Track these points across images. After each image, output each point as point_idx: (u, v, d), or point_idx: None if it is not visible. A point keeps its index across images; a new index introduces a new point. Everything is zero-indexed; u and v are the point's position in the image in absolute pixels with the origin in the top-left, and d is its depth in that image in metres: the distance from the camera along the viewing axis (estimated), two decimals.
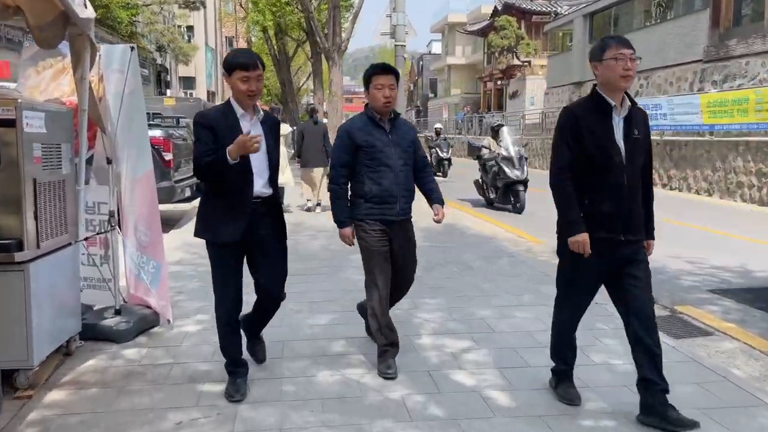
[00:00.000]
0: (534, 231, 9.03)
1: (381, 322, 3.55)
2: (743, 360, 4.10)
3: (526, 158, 11.26)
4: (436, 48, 56.74)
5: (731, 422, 2.98)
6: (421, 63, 57.25)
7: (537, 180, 10.79)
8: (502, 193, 11.13)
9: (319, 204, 10.53)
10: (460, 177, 17.41)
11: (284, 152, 9.64)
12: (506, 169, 10.84)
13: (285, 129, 11.43)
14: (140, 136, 4.27)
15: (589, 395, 3.27)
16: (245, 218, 3.10)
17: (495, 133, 11.63)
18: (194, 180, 9.77)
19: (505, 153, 10.99)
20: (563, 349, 3.26)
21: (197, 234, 3.21)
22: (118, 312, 4.20)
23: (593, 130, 2.91)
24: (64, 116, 3.62)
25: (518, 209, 10.84)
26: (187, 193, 9.04)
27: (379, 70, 3.55)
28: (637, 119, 2.97)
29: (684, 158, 15.10)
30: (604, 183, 2.92)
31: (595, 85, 3.02)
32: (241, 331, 3.40)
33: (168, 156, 8.30)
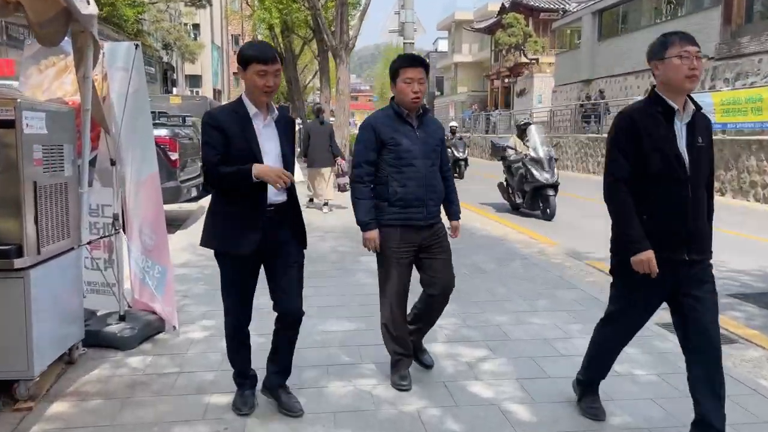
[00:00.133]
0: (545, 231, 8.87)
1: (394, 332, 3.39)
2: None
3: (557, 159, 10.34)
4: (443, 46, 56.47)
5: None
6: (427, 61, 56.98)
7: None
8: (530, 197, 10.18)
9: (326, 203, 10.42)
10: (479, 179, 17.10)
11: None
12: (534, 172, 9.92)
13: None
14: (145, 136, 4.14)
15: (613, 409, 3.12)
16: (258, 228, 2.83)
17: (521, 131, 10.77)
18: (201, 180, 9.66)
19: (533, 154, 10.08)
20: (603, 364, 3.05)
21: (205, 244, 2.96)
22: (122, 318, 4.08)
23: (653, 137, 2.60)
24: (66, 116, 3.48)
25: (548, 216, 9.90)
26: (194, 193, 8.92)
27: (407, 63, 3.25)
28: (700, 125, 2.67)
29: None
30: (666, 197, 2.62)
31: (653, 87, 2.72)
32: (271, 366, 3.12)
33: (174, 155, 8.17)
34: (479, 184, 15.65)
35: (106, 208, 4.23)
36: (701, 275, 2.68)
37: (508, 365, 3.69)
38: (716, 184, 14.20)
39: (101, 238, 4.22)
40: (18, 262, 2.99)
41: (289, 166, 2.93)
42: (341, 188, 10.76)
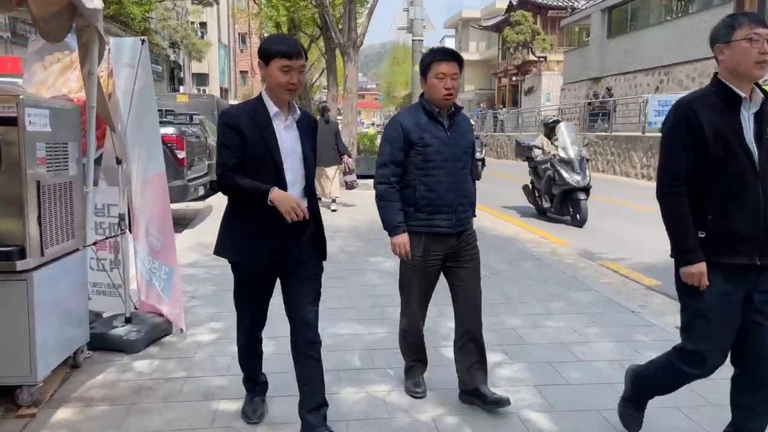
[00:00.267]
0: (557, 231, 8.74)
1: (412, 340, 3.25)
2: None
3: (588, 160, 9.47)
4: (449, 44, 56.27)
5: None
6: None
7: None
8: (558, 201, 9.32)
9: (334, 200, 10.36)
10: (498, 180, 16.90)
11: None
12: (564, 174, 9.06)
13: None
14: (151, 134, 4.04)
15: None
16: (275, 237, 2.60)
17: (549, 130, 9.86)
18: (208, 178, 9.58)
19: (563, 154, 9.22)
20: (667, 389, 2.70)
21: (219, 252, 2.75)
22: (128, 320, 3.98)
23: (717, 128, 2.32)
24: (70, 113, 3.39)
25: (579, 221, 9.01)
26: (201, 191, 8.83)
27: (440, 56, 2.98)
28: None
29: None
30: (734, 194, 2.32)
31: (716, 74, 2.44)
32: (302, 407, 2.76)
33: (181, 154, 8.08)
34: (500, 185, 14.90)
35: (111, 207, 4.13)
36: None
37: (525, 371, 3.57)
38: None
39: (107, 238, 4.13)
40: (20, 264, 2.89)
41: (310, 169, 2.73)
42: (348, 186, 10.68)
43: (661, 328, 4.37)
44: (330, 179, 10.24)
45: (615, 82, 24.94)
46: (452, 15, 49.96)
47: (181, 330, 4.10)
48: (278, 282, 2.81)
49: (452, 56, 3.00)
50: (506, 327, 4.35)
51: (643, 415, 2.79)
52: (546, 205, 9.85)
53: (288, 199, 2.52)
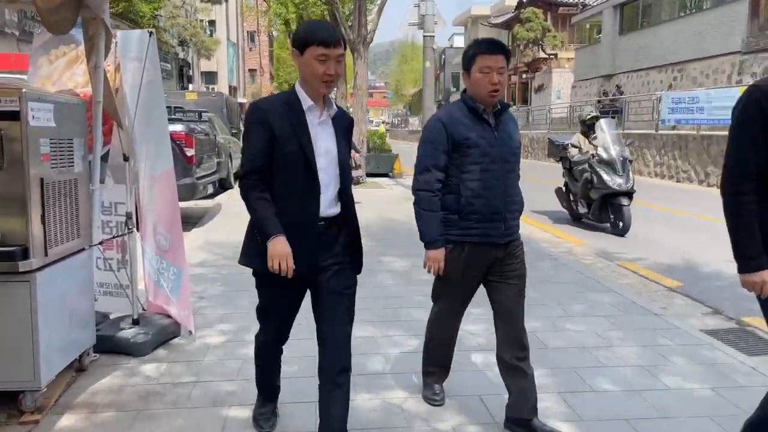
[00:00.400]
0: (571, 230, 8.57)
1: (439, 350, 3.06)
2: None
3: (631, 161, 8.50)
4: (458, 42, 56.13)
5: None
6: (443, 57, 56.62)
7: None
8: (597, 206, 8.35)
9: None
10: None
11: None
12: (604, 176, 8.10)
13: None
14: (160, 130, 3.91)
15: (667, 428, 2.85)
16: (307, 246, 2.33)
17: (587, 127, 8.83)
18: (217, 176, 9.48)
19: (603, 154, 8.24)
20: None
21: (245, 262, 2.49)
22: (135, 322, 3.86)
23: None
24: (76, 108, 3.27)
25: (621, 230, 8.08)
26: (210, 189, 8.73)
27: (486, 48, 2.69)
28: None
29: (723, 154, 14.42)
30: None
31: None
32: None
33: (190, 151, 7.98)
34: (529, 188, 14.44)
35: (119, 205, 4.02)
36: None
37: (547, 377, 3.42)
38: None
39: (114, 237, 4.01)
40: (23, 265, 2.77)
41: (345, 170, 2.46)
42: (354, 181, 10.57)
43: (686, 331, 4.20)
44: None
45: (627, 80, 24.67)
46: (462, 12, 49.81)
47: (190, 332, 3.98)
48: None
49: (499, 48, 2.72)
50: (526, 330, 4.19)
51: None
52: (582, 210, 8.93)
53: (280, 253, 2.24)
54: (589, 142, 8.68)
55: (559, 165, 9.42)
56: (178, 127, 7.90)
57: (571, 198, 9.19)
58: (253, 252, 2.40)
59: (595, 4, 29.74)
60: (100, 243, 3.77)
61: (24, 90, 2.75)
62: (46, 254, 2.89)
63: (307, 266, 2.34)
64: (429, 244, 2.75)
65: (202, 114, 9.79)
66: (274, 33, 36.63)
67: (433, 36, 11.53)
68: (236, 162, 13.73)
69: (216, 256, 6.33)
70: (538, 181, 13.74)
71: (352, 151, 10.27)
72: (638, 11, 25.22)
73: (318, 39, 2.26)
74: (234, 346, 3.85)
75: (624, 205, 8.06)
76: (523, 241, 2.95)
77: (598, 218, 8.48)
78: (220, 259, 6.18)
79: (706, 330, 4.38)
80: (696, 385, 3.31)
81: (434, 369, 3.13)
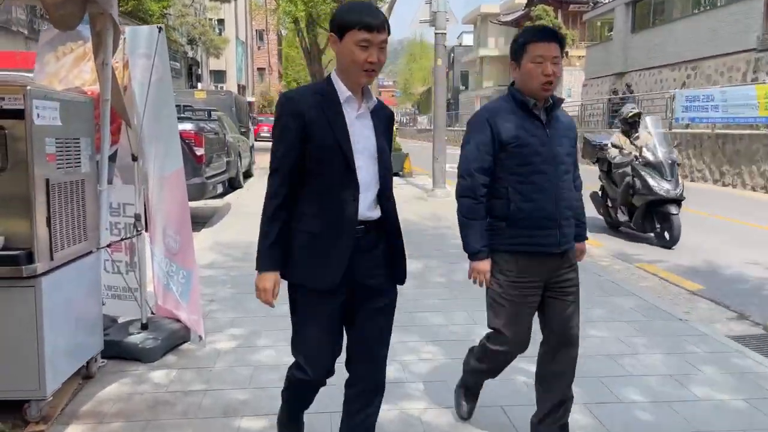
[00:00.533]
0: (609, 241, 8.39)
1: (493, 369, 2.78)
2: None
3: (680, 164, 7.68)
4: (467, 40, 55.91)
5: None
6: (452, 55, 56.41)
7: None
8: (640, 214, 7.47)
9: None
10: None
11: None
12: (650, 180, 7.24)
13: None
14: (169, 128, 3.79)
15: None
16: (343, 253, 2.08)
17: (629, 126, 7.78)
18: (227, 176, 9.38)
19: (648, 156, 7.41)
20: None
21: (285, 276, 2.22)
22: (144, 326, 3.76)
23: None
24: (82, 107, 3.16)
25: (669, 241, 7.24)
26: (219, 189, 8.64)
27: (539, 36, 2.41)
28: None
29: (738, 153, 14.21)
30: None
31: None
32: None
33: (199, 151, 7.88)
34: None
35: (127, 206, 3.91)
36: None
37: (572, 386, 3.27)
38: (761, 181, 13.53)
39: (123, 239, 3.91)
40: (28, 270, 2.66)
41: (386, 166, 2.18)
42: None
43: (713, 338, 4.05)
44: None
45: (639, 78, 24.39)
46: (471, 10, 49.48)
47: (200, 337, 3.87)
48: None
49: (552, 36, 2.43)
50: None
51: None
52: (622, 218, 8.01)
53: (267, 290, 2.09)
54: (631, 143, 7.74)
55: (595, 167, 8.48)
56: (188, 126, 7.80)
57: (609, 204, 8.30)
58: (285, 261, 2.15)
59: (606, 1, 29.47)
60: (109, 245, 3.66)
61: (29, 87, 2.64)
62: (51, 258, 2.78)
63: (342, 277, 2.09)
64: (474, 255, 2.51)
65: (212, 113, 9.69)
66: (283, 31, 36.55)
67: (445, 33, 11.37)
68: (245, 161, 13.65)
69: (226, 258, 6.22)
70: None
71: None
72: (651, 8, 24.92)
73: (360, 22, 2.01)
74: (245, 351, 3.74)
75: (673, 214, 7.23)
76: None
77: (641, 227, 7.62)
78: (230, 261, 6.08)
79: (732, 336, 4.23)
80: (728, 396, 3.16)
81: (466, 388, 2.93)
